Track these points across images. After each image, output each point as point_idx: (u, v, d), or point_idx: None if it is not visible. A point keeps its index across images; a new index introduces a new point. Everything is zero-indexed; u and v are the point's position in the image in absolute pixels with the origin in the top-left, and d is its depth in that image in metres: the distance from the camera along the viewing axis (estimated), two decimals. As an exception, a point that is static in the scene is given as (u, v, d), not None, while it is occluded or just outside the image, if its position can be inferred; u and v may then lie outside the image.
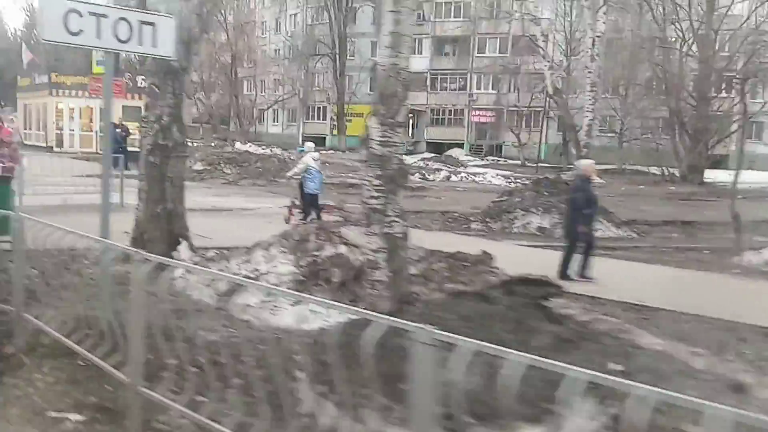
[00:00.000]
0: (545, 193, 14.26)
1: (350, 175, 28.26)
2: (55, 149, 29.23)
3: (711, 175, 35.40)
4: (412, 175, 29.96)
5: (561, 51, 45.30)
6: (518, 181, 28.68)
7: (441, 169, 30.90)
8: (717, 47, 32.23)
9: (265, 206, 16.45)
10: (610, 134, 46.60)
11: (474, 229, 14.24)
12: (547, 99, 44.81)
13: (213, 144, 26.28)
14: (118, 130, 21.91)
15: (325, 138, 56.00)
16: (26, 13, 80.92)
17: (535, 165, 41.91)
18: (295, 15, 57.43)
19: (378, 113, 5.99)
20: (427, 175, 29.42)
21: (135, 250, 3.87)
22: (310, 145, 14.03)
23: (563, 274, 7.98)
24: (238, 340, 5.63)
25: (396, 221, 6.05)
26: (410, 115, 55.00)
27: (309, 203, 13.67)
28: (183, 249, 8.50)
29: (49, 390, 4.50)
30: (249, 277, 6.83)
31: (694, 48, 33.00)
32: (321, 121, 57.37)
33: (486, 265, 6.38)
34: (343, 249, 6.83)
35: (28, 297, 5.67)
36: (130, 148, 21.06)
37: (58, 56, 39.55)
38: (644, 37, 35.20)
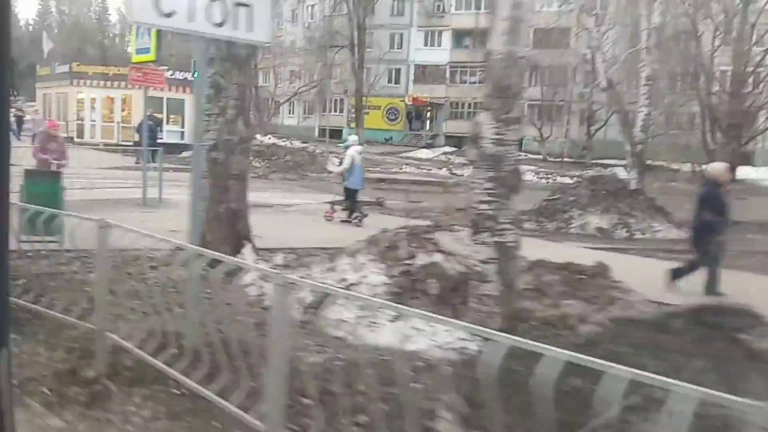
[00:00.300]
0: (603, 192, 13.57)
1: (378, 169, 27.65)
2: (76, 140, 28.69)
3: (739, 172, 34.62)
4: (439, 169, 29.33)
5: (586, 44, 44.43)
6: (549, 177, 27.98)
7: (467, 164, 30.16)
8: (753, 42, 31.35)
9: (305, 202, 15.83)
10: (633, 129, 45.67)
11: (527, 229, 13.55)
12: (572, 93, 44.08)
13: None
14: (150, 123, 21.37)
15: (341, 131, 55.32)
16: (39, 1, 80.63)
17: (556, 160, 41.17)
18: (313, 6, 56.66)
19: (491, 108, 5.34)
20: (454, 170, 28.72)
21: (273, 271, 3.24)
22: (354, 138, 13.39)
23: (712, 291, 7.28)
24: (342, 363, 5.05)
25: (508, 229, 5.41)
26: (428, 108, 54.29)
27: (350, 198, 13.05)
28: (247, 252, 7.90)
29: (150, 428, 3.89)
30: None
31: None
32: (338, 113, 56.61)
33: (605, 279, 5.74)
34: (438, 257, 6.20)
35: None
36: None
37: (79, 45, 38.98)
38: (675, 30, 34.31)
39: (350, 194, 12.97)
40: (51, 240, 7.90)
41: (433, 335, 5.38)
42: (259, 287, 6.79)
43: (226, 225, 7.83)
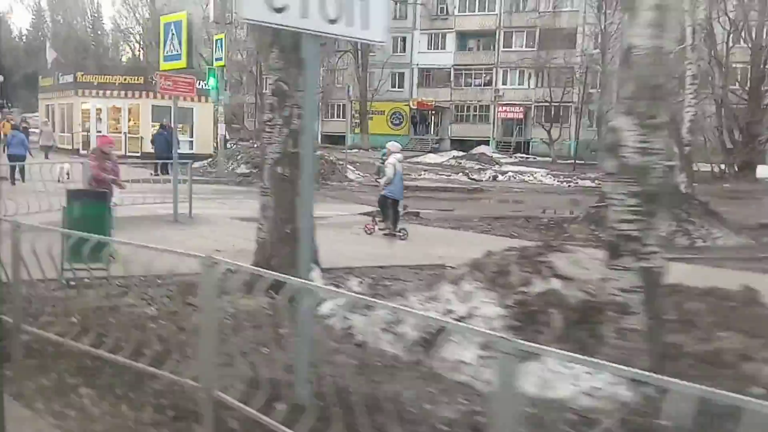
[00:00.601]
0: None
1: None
2: (82, 152, 27.88)
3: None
4: (456, 174, 28.62)
5: (595, 44, 44.09)
6: (571, 181, 27.29)
7: (486, 169, 29.51)
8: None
9: (337, 214, 15.06)
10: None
11: (580, 239, 12.83)
12: (581, 93, 43.43)
13: (256, 145, 24.94)
14: (165, 133, 20.60)
15: (344, 136, 54.53)
16: (32, 12, 79.60)
17: (566, 162, 40.54)
18: (313, 10, 55.93)
19: (634, 111, 4.60)
20: (471, 175, 28.02)
21: (499, 335, 2.49)
22: (395, 145, 12.61)
23: None
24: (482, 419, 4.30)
25: (656, 252, 4.67)
26: (433, 112, 53.60)
27: (389, 209, 12.26)
28: (316, 276, 7.12)
29: None
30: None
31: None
32: (340, 119, 55.86)
33: (759, 305, 5.02)
34: (556, 283, 5.46)
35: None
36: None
37: (83, 55, 38.12)
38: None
39: (391, 205, 12.19)
40: (98, 268, 7.15)
41: (574, 379, 4.63)
42: (343, 318, 6.05)
43: (292, 247, 7.05)
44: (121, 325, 5.65)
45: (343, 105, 55.02)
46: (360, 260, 9.56)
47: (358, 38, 4.28)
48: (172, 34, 11.33)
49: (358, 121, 51.85)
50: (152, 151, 25.23)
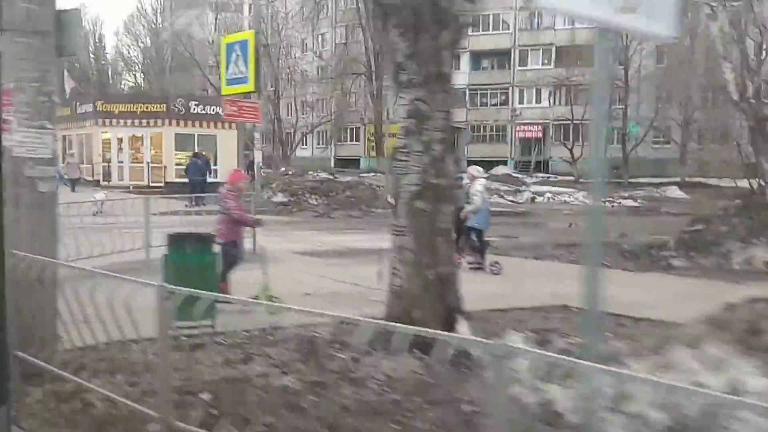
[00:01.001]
0: (764, 219, 11.81)
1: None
2: (103, 183, 26.88)
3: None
4: (490, 197, 27.55)
5: (613, 59, 43.28)
6: (613, 200, 26.22)
7: (522, 191, 28.49)
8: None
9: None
10: (666, 145, 44.47)
11: (678, 267, 11.73)
12: (609, 110, 42.54)
13: (291, 172, 23.94)
14: (198, 161, 19.57)
15: (359, 160, 53.80)
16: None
17: (589, 181, 39.48)
18: (323, 35, 55.38)
19: None
20: (507, 197, 26.97)
21: None
22: (479, 169, 11.50)
23: None
24: None
25: None
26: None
27: (476, 241, 11.15)
28: (463, 329, 6.01)
29: None
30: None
31: None
32: (354, 142, 55.13)
33: None
34: (828, 343, 4.31)
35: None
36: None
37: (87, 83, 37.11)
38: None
39: (477, 236, 11.09)
40: (205, 324, 6.07)
41: None
42: (534, 389, 4.88)
43: (435, 295, 5.96)
44: (272, 407, 4.52)
45: (357, 128, 54.29)
46: (468, 301, 8.38)
47: (650, 33, 3.20)
48: (237, 55, 10.33)
49: (374, 144, 51.04)
50: (176, 180, 24.25)
